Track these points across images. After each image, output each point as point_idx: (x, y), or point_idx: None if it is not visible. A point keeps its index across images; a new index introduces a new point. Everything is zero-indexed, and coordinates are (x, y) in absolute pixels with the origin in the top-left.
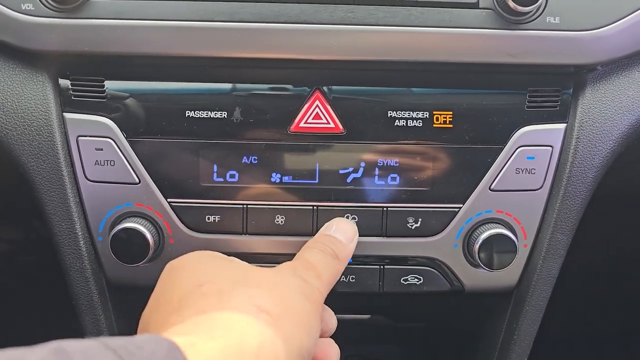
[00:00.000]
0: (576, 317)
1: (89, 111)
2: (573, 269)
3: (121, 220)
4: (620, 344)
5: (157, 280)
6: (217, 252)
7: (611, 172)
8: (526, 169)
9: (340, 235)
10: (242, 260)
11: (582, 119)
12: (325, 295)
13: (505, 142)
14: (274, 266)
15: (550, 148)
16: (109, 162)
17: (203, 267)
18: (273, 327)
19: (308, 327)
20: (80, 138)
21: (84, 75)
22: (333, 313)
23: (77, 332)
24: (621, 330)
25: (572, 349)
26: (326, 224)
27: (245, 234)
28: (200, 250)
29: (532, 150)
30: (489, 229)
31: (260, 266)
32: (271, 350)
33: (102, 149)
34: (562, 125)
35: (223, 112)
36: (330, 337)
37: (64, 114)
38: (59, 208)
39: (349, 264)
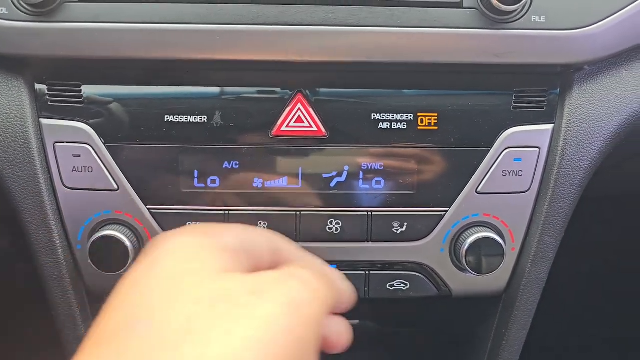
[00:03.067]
0: (566, 323)
1: (66, 117)
2: (562, 273)
3: (100, 228)
4: (613, 352)
5: None
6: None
7: (599, 173)
8: (513, 171)
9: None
10: None
11: (570, 120)
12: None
13: (491, 144)
14: None
15: (537, 149)
16: (86, 168)
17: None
18: None
19: None
20: (57, 144)
21: (60, 80)
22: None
23: (57, 343)
24: (614, 338)
25: (562, 357)
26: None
27: None
28: None
29: (519, 152)
30: (476, 233)
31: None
32: None
33: (79, 155)
34: (549, 126)
35: (203, 117)
36: None
37: (41, 119)
38: (36, 216)
39: None
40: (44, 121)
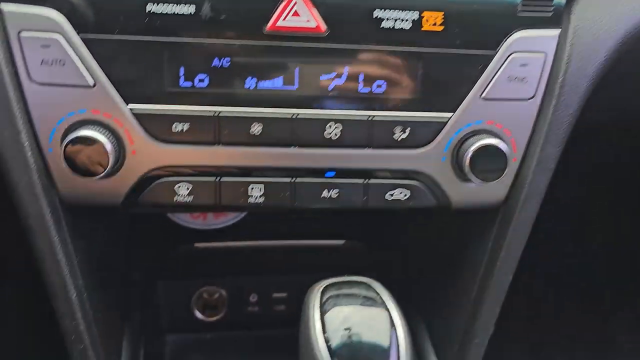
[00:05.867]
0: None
1: (32, 1)
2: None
3: (75, 129)
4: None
5: (117, 198)
6: None
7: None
8: (518, 77)
9: None
10: (212, 173)
11: (577, 25)
12: None
13: (497, 48)
14: None
15: (543, 55)
16: (57, 61)
17: None
18: None
19: None
20: (22, 33)
21: None
22: None
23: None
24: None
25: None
26: None
27: (217, 144)
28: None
29: (524, 57)
30: (479, 140)
31: None
32: None
33: (49, 47)
34: (556, 32)
35: (190, 7)
36: None
37: (2, 4)
38: (0, 114)
39: (331, 178)
40: (5, 7)
